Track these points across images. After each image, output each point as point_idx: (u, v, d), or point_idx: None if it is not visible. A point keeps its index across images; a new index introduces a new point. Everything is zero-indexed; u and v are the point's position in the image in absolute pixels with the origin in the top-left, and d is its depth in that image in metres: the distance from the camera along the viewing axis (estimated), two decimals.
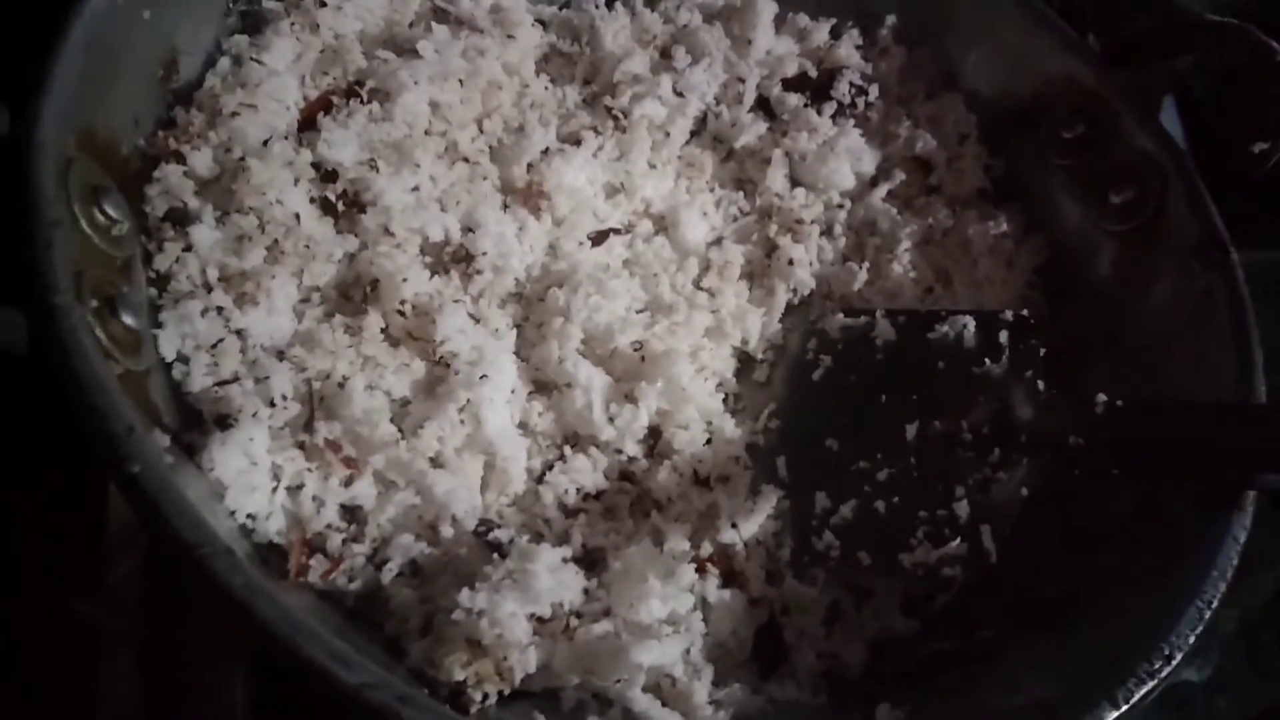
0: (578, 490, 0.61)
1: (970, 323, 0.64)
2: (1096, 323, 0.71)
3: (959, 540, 0.56)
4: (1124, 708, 0.49)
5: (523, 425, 0.62)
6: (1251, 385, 0.61)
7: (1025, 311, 0.64)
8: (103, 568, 0.63)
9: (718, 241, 0.73)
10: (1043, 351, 0.62)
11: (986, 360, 0.62)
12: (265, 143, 0.60)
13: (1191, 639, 0.52)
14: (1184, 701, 0.94)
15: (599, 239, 0.68)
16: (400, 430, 0.58)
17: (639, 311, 0.67)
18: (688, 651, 0.56)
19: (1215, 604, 0.53)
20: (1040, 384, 0.60)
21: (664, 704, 0.52)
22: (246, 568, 0.43)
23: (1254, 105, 0.70)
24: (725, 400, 0.68)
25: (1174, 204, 0.69)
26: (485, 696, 0.50)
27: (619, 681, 0.51)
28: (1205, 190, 0.68)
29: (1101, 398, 0.58)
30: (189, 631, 0.63)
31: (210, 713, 0.60)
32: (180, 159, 0.58)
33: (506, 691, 0.51)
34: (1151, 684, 0.50)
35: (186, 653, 0.62)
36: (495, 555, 0.54)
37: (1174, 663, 0.51)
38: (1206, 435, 0.57)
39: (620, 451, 0.62)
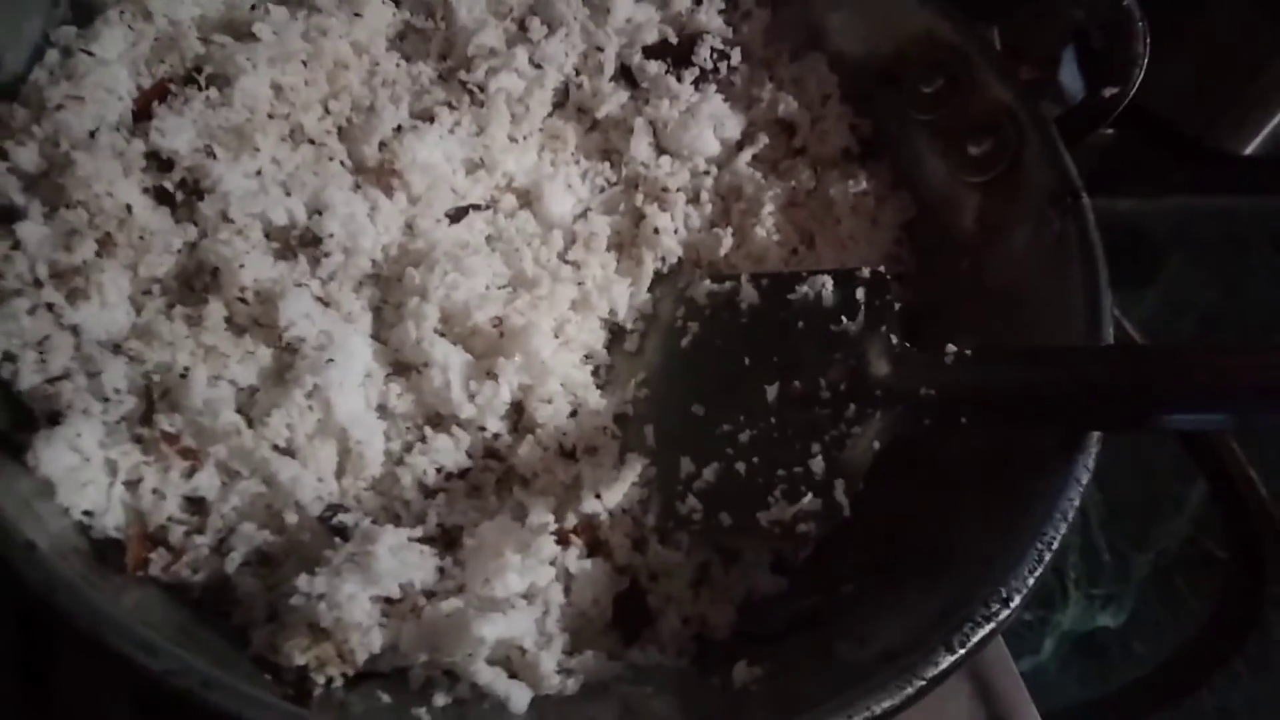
0: (438, 470, 0.60)
1: (828, 282, 0.64)
2: (962, 274, 0.71)
3: (812, 496, 0.57)
4: (961, 652, 0.50)
5: (381, 408, 0.62)
6: (1099, 328, 0.61)
7: (882, 268, 0.65)
8: None
9: (584, 214, 0.72)
10: (897, 306, 0.62)
11: (844, 318, 0.62)
12: (93, 134, 0.59)
13: (1031, 581, 0.52)
14: (1101, 647, 0.95)
15: (457, 216, 0.68)
16: (248, 419, 0.57)
17: (501, 287, 0.66)
18: (543, 622, 0.56)
19: (1055, 545, 0.53)
20: (894, 338, 0.60)
21: (511, 675, 0.52)
22: (49, 563, 0.42)
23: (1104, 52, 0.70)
24: (596, 372, 0.67)
25: (1029, 153, 0.69)
26: (330, 680, 0.50)
27: (465, 656, 0.51)
28: (1059, 138, 0.68)
29: (951, 348, 0.58)
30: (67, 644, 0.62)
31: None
32: (2, 155, 0.57)
33: (350, 673, 0.51)
34: (990, 627, 0.50)
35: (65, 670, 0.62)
36: (338, 539, 0.54)
37: (1013, 605, 0.51)
38: (1047, 378, 0.57)
39: (484, 429, 0.62)
